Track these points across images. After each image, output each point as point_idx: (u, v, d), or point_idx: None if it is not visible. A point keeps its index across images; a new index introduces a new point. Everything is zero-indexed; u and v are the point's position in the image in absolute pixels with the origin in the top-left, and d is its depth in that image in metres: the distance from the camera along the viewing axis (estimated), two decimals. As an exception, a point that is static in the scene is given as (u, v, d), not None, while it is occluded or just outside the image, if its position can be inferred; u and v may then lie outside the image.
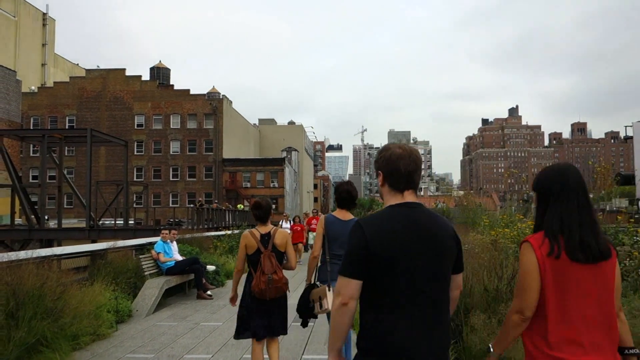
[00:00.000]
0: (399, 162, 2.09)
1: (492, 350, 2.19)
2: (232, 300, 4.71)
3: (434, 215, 2.11)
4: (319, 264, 4.51)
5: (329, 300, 3.88)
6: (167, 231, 10.27)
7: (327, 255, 4.37)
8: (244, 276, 4.59)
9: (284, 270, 4.46)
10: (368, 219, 2.08)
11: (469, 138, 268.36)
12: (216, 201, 43.09)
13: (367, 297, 2.00)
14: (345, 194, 4.49)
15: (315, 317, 4.29)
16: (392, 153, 2.12)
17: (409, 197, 2.09)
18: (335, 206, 4.73)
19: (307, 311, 4.18)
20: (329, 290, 3.96)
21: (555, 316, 1.98)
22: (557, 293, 1.98)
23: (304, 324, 4.38)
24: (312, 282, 4.38)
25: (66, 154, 38.33)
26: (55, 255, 7.54)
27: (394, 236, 1.97)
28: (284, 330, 4.43)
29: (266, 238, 4.40)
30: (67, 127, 54.55)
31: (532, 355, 2.02)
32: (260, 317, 4.32)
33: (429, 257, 1.98)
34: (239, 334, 4.49)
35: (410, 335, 1.92)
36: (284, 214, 23.50)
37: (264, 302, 4.28)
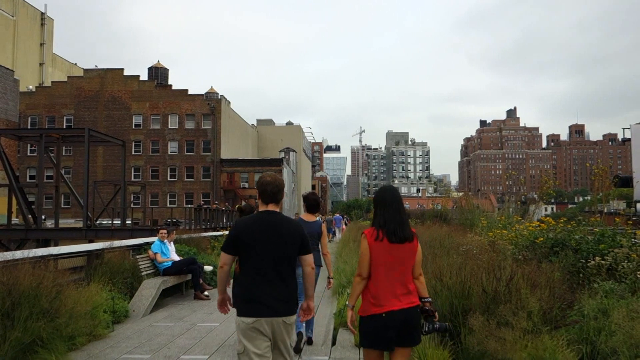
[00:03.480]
0: (267, 187, 3.48)
1: (348, 303, 3.44)
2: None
3: (285, 219, 3.48)
4: None
5: None
6: (164, 230, 10.23)
7: None
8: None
9: None
10: (241, 220, 3.47)
11: (467, 140, 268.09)
12: (216, 202, 43.02)
13: (240, 265, 3.37)
14: (313, 201, 6.01)
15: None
16: (263, 180, 3.52)
17: (271, 207, 3.47)
18: (304, 210, 6.14)
19: None
20: None
21: (377, 278, 3.28)
22: (379, 263, 3.28)
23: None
24: None
25: (64, 154, 38.24)
26: (52, 255, 7.49)
27: (252, 230, 3.34)
28: None
29: None
30: (64, 127, 54.47)
31: (366, 303, 3.31)
32: None
33: (273, 244, 3.32)
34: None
35: (258, 288, 3.28)
36: None
37: None
